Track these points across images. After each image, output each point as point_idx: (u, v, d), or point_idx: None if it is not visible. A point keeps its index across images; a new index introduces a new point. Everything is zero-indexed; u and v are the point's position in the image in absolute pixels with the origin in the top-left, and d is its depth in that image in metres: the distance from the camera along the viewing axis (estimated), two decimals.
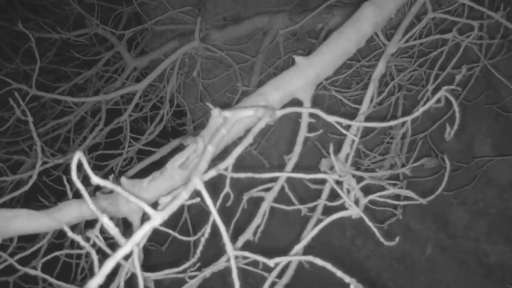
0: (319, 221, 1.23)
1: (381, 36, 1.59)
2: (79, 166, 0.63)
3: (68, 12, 3.86)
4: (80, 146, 3.23)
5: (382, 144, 2.58)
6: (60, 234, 2.93)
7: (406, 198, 1.34)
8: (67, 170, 3.03)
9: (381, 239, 1.14)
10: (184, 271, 1.13)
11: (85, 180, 0.69)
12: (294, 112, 1.20)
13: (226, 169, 0.96)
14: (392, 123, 1.26)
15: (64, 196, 1.19)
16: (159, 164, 1.18)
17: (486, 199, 3.46)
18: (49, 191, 3.06)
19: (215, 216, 0.75)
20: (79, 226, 2.44)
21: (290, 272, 1.15)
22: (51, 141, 3.48)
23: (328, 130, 2.74)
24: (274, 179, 1.25)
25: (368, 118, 1.49)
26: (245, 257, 1.01)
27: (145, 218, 1.07)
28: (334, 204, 1.29)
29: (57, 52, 3.99)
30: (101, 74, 3.77)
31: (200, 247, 1.04)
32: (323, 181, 1.34)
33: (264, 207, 1.23)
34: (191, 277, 1.14)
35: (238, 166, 1.04)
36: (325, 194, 1.32)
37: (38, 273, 1.07)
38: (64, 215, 1.04)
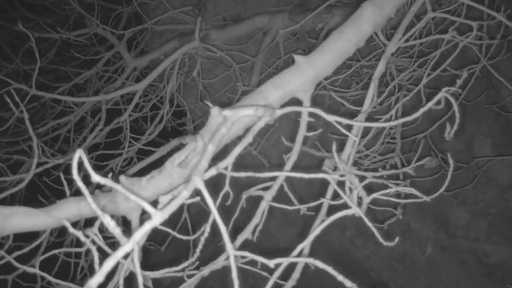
0: (322, 221, 1.23)
1: (381, 36, 1.59)
2: (79, 165, 0.63)
3: (68, 12, 3.86)
4: (80, 146, 3.23)
5: (382, 144, 2.58)
6: (59, 233, 2.94)
7: (408, 197, 1.33)
8: (67, 170, 3.03)
9: (380, 240, 1.14)
10: (182, 270, 1.13)
11: (85, 180, 0.69)
12: (294, 111, 1.20)
13: (226, 168, 0.96)
14: (392, 123, 1.26)
15: (64, 197, 1.19)
16: (159, 164, 1.18)
17: (486, 199, 3.45)
18: (49, 192, 3.06)
19: (215, 215, 0.75)
20: (78, 224, 2.44)
21: (296, 275, 1.14)
22: (51, 141, 3.48)
23: (328, 130, 2.74)
24: (273, 179, 1.25)
25: (368, 118, 1.49)
26: (244, 257, 1.01)
27: (144, 216, 1.07)
28: (336, 203, 1.29)
29: (57, 52, 3.99)
30: (101, 74, 3.77)
31: (200, 246, 1.04)
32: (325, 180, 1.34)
33: (263, 206, 1.23)
34: (190, 276, 1.14)
35: (238, 165, 1.04)
36: (329, 193, 1.32)
37: (36, 271, 1.07)
38: (62, 212, 1.04)
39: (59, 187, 2.74)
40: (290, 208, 1.31)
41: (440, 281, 3.67)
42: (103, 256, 0.62)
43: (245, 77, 3.40)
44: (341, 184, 1.27)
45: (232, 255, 0.76)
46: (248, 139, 1.03)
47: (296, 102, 1.27)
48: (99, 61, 3.60)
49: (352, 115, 1.46)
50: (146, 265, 1.09)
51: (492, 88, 3.25)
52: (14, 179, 2.33)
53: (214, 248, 1.27)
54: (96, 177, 0.58)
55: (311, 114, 1.27)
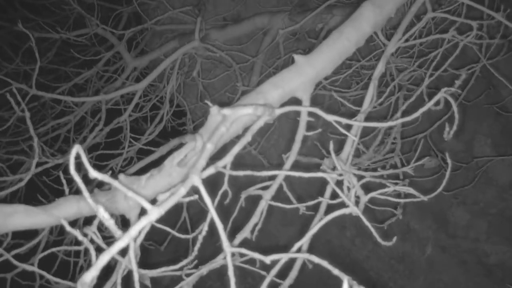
0: (321, 219, 1.23)
1: (381, 35, 1.59)
2: (78, 164, 0.63)
3: (68, 12, 3.86)
4: (80, 145, 3.23)
5: (382, 144, 2.58)
6: (58, 232, 2.94)
7: (408, 196, 1.33)
8: (66, 170, 3.03)
9: (379, 239, 1.14)
10: (181, 269, 1.13)
11: (84, 179, 0.69)
12: (294, 111, 1.20)
13: (224, 167, 0.96)
14: (392, 123, 1.26)
15: (63, 196, 1.20)
16: (158, 164, 1.18)
17: (486, 199, 3.45)
18: (49, 191, 3.06)
19: (212, 213, 0.75)
20: (77, 223, 2.44)
21: (294, 273, 1.14)
22: (51, 141, 3.48)
23: (327, 129, 2.74)
24: (272, 178, 1.25)
25: (368, 118, 1.49)
26: (242, 256, 1.01)
27: (143, 215, 1.07)
28: (334, 202, 1.29)
29: (57, 52, 4.00)
30: (101, 74, 3.77)
31: (198, 245, 1.04)
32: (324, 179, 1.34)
33: (262, 205, 1.23)
34: (189, 275, 1.14)
35: (237, 165, 1.04)
36: (328, 192, 1.32)
37: (35, 269, 1.07)
38: (61, 211, 1.04)
39: (58, 186, 2.75)
40: (289, 207, 1.31)
41: (440, 281, 3.67)
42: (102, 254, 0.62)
43: (245, 77, 3.40)
44: (340, 183, 1.27)
45: (228, 252, 0.76)
46: (247, 138, 1.03)
47: (296, 101, 1.27)
48: (99, 61, 3.60)
49: (352, 115, 1.47)
50: (145, 264, 1.09)
51: (492, 88, 3.25)
52: (14, 179, 2.33)
53: (213, 247, 1.27)
54: (94, 173, 0.58)
55: (310, 114, 1.27)
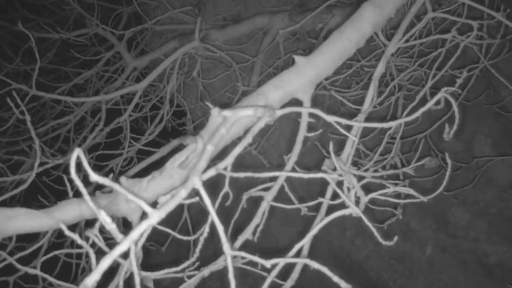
0: (322, 220, 1.23)
1: (381, 36, 1.59)
2: (79, 165, 0.63)
3: (68, 12, 3.86)
4: (80, 146, 3.23)
5: (383, 144, 2.58)
6: (60, 234, 2.94)
7: (408, 197, 1.33)
8: (67, 170, 3.03)
9: (379, 239, 1.14)
10: (182, 270, 1.13)
11: (85, 180, 0.69)
12: (294, 112, 1.20)
13: (225, 169, 0.96)
14: (392, 123, 1.26)
15: (64, 197, 1.19)
16: (159, 164, 1.18)
17: (486, 199, 3.45)
18: (49, 192, 3.06)
19: (213, 215, 0.75)
20: (79, 225, 2.44)
21: (295, 275, 1.14)
22: (51, 141, 3.48)
23: (328, 130, 2.74)
24: (273, 179, 1.25)
25: (368, 118, 1.49)
26: (243, 257, 1.01)
27: (144, 217, 1.07)
28: (335, 202, 1.29)
29: (57, 52, 3.99)
30: (101, 74, 3.77)
31: (199, 247, 1.04)
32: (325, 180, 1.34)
33: (264, 206, 1.23)
34: (190, 277, 1.14)
35: (238, 165, 1.04)
36: (328, 193, 1.32)
37: (38, 272, 1.07)
38: (63, 214, 1.04)
39: (59, 187, 2.75)
40: (290, 207, 1.31)
41: (440, 281, 3.67)
42: (103, 257, 0.62)
43: (245, 77, 3.40)
44: (341, 184, 1.27)
45: (229, 255, 0.76)
46: (248, 139, 1.03)
47: (296, 102, 1.27)
48: (99, 61, 3.60)
49: (352, 115, 1.47)
50: (146, 265, 1.09)
51: (492, 88, 3.25)
52: (14, 179, 2.33)
53: (214, 248, 1.27)
54: (94, 177, 0.58)
55: (311, 115, 1.27)
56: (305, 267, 1.17)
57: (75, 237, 0.77)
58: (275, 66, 3.24)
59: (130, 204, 1.05)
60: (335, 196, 1.29)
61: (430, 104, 1.18)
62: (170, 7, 3.50)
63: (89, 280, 0.52)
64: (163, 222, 0.84)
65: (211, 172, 0.88)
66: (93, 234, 0.95)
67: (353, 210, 1.13)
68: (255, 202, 1.28)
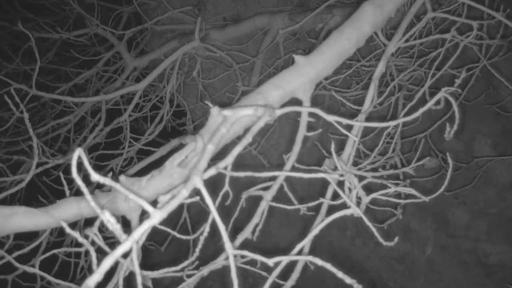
0: (322, 220, 1.23)
1: (381, 36, 1.59)
2: (79, 165, 0.63)
3: (68, 12, 3.85)
4: (80, 146, 3.23)
5: (382, 144, 2.58)
6: (59, 233, 2.94)
7: (408, 197, 1.33)
8: (67, 170, 3.04)
9: (380, 239, 1.14)
10: (182, 270, 1.12)
11: (85, 180, 0.69)
12: (294, 111, 1.20)
13: (225, 168, 0.96)
14: (392, 123, 1.26)
15: (64, 196, 1.19)
16: (159, 164, 1.17)
17: (486, 199, 3.45)
18: (49, 191, 3.06)
19: (214, 214, 0.75)
20: (78, 224, 2.44)
21: (295, 275, 1.14)
22: (51, 141, 3.48)
23: (328, 130, 2.74)
24: (273, 178, 1.25)
25: (368, 118, 1.49)
26: (243, 256, 1.01)
27: (144, 216, 1.07)
28: (336, 203, 1.29)
29: (57, 52, 3.99)
30: (101, 74, 3.77)
31: (199, 246, 1.04)
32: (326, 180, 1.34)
33: (263, 206, 1.23)
34: (189, 276, 1.14)
35: (238, 165, 1.04)
36: (329, 193, 1.32)
37: (36, 271, 1.07)
38: (62, 212, 1.04)
39: (59, 187, 2.74)
40: (290, 208, 1.31)
41: (440, 281, 3.67)
42: (103, 256, 0.63)
43: (245, 77, 3.40)
44: (341, 184, 1.27)
45: (231, 254, 0.76)
46: (248, 139, 1.03)
47: (296, 102, 1.27)
48: (99, 61, 3.60)
49: (352, 115, 1.46)
50: (146, 265, 1.09)
51: (492, 88, 3.25)
52: (14, 179, 2.33)
53: (214, 248, 1.27)
54: (95, 176, 0.58)
55: (311, 114, 1.27)
56: (305, 268, 1.17)
57: (76, 235, 0.77)
58: (275, 66, 3.24)
59: (129, 202, 1.05)
60: (335, 196, 1.29)
61: (430, 104, 1.18)
62: (170, 7, 3.50)
63: (91, 280, 0.52)
64: (163, 222, 0.84)
65: (212, 171, 0.88)
66: (93, 233, 0.95)
67: (354, 211, 1.13)
68: (255, 202, 1.28)
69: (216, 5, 3.74)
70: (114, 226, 0.56)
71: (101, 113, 3.03)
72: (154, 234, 1.07)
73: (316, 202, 1.30)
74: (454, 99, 1.23)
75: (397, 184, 1.35)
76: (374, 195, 1.21)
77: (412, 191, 1.28)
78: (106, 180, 0.60)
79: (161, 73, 3.03)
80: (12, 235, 1.15)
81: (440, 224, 3.68)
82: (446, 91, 1.21)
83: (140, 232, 0.59)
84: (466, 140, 3.49)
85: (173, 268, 1.10)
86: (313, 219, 1.27)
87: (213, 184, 1.09)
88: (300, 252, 1.08)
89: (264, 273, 1.09)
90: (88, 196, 0.59)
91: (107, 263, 0.53)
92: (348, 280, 0.82)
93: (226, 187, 1.17)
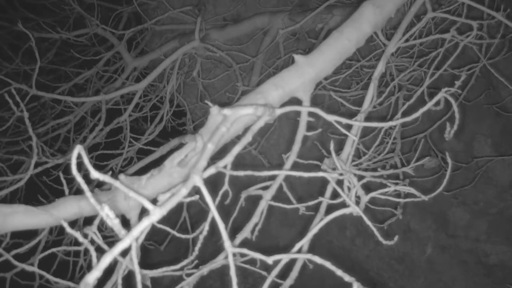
0: (321, 219, 1.23)
1: (381, 36, 1.59)
2: (79, 164, 0.63)
3: (68, 12, 3.86)
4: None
5: (382, 144, 2.58)
6: (58, 232, 2.94)
7: (408, 196, 1.33)
8: (66, 170, 3.04)
9: (380, 239, 1.14)
10: (182, 269, 1.13)
11: (85, 178, 0.69)
12: (294, 111, 1.20)
13: (225, 167, 0.96)
14: (392, 123, 1.26)
15: (63, 196, 1.19)
16: (159, 164, 1.18)
17: (486, 199, 3.45)
18: (49, 191, 3.06)
19: (214, 213, 0.75)
20: (77, 223, 2.44)
21: (294, 274, 1.14)
22: (51, 141, 3.48)
23: (327, 129, 2.74)
24: (273, 178, 1.25)
25: (368, 118, 1.49)
26: (243, 256, 1.01)
27: (143, 215, 1.07)
28: (335, 202, 1.29)
29: (57, 52, 3.99)
30: (101, 74, 3.77)
31: (198, 245, 1.04)
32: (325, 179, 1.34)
33: (262, 205, 1.23)
34: (189, 275, 1.14)
35: (237, 165, 1.04)
36: (328, 192, 1.32)
37: (35, 269, 1.07)
38: (62, 211, 1.04)
39: (58, 186, 2.74)
40: (289, 207, 1.31)
41: (440, 281, 3.67)
42: (102, 255, 0.63)
43: (245, 77, 3.40)
44: (340, 183, 1.27)
45: (230, 252, 0.76)
46: (248, 138, 1.03)
47: (296, 101, 1.27)
48: (99, 61, 3.60)
49: (352, 115, 1.47)
50: (145, 264, 1.09)
51: (492, 88, 3.25)
52: (13, 179, 2.33)
53: (213, 247, 1.27)
54: (95, 174, 0.58)
55: (310, 114, 1.27)
56: (304, 267, 1.17)
57: (76, 234, 0.77)
58: (275, 66, 3.24)
59: (128, 201, 1.05)
60: (334, 195, 1.29)
61: (430, 105, 1.18)
62: (170, 7, 3.50)
63: (90, 277, 0.52)
64: (162, 220, 0.84)
65: (211, 171, 0.88)
66: (92, 231, 0.95)
67: (354, 210, 1.13)
68: (254, 201, 1.28)
69: (216, 5, 3.75)
70: (113, 221, 0.56)
71: (101, 113, 3.04)
72: (154, 234, 1.08)
73: (316, 201, 1.30)
74: (454, 99, 1.23)
75: (396, 184, 1.35)
76: (373, 194, 1.21)
77: (412, 190, 1.28)
78: (106, 178, 0.60)
79: (161, 73, 3.04)
80: (9, 233, 1.15)
81: (440, 224, 3.68)
82: (446, 91, 1.21)
83: (140, 229, 0.59)
84: (466, 140, 3.49)
85: (173, 267, 1.10)
86: (313, 218, 1.27)
87: (213, 183, 1.09)
88: (299, 251, 1.08)
89: (263, 272, 1.09)
90: (88, 192, 0.59)
91: (106, 260, 0.53)
92: (347, 278, 0.82)
93: (226, 186, 1.17)
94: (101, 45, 3.76)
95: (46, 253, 1.22)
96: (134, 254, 0.64)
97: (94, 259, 0.72)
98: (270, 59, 3.39)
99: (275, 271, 1.05)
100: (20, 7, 3.95)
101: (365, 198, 1.20)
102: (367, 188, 1.27)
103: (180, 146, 1.15)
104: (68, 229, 0.75)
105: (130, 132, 3.03)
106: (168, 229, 1.19)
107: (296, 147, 1.26)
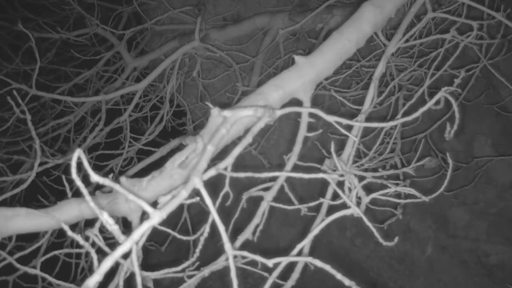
0: (322, 220, 1.23)
1: (381, 36, 1.59)
2: (79, 165, 0.63)
3: (68, 12, 3.85)
4: (80, 146, 3.23)
5: (382, 144, 2.58)
6: (60, 234, 2.94)
7: (408, 197, 1.33)
8: (67, 170, 3.04)
9: (380, 239, 1.14)
10: (183, 270, 1.13)
11: (85, 180, 0.69)
12: (294, 112, 1.20)
13: (225, 169, 0.96)
14: (392, 123, 1.26)
15: (64, 197, 1.19)
16: (159, 164, 1.18)
17: (486, 199, 3.46)
18: (49, 191, 3.06)
19: (214, 215, 0.75)
20: (78, 225, 2.44)
21: (295, 275, 1.14)
22: (51, 141, 3.48)
23: (328, 130, 2.74)
24: (273, 179, 1.25)
25: (368, 118, 1.49)
26: (244, 257, 1.01)
27: (144, 217, 1.07)
28: (336, 203, 1.29)
29: (57, 52, 3.99)
30: (101, 74, 3.77)
31: (199, 247, 1.04)
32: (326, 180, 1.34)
33: (263, 206, 1.23)
34: (190, 277, 1.14)
35: (238, 166, 1.04)
36: (329, 193, 1.32)
37: (37, 272, 1.07)
38: (63, 214, 1.04)
39: (58, 187, 2.74)
40: (290, 208, 1.31)
41: (440, 281, 3.67)
42: (104, 257, 0.63)
43: (245, 77, 3.40)
44: (341, 184, 1.27)
45: (231, 255, 0.76)
46: (248, 139, 1.03)
47: (296, 102, 1.27)
48: (99, 61, 3.60)
49: (352, 115, 1.47)
50: (146, 265, 1.09)
51: (492, 88, 3.25)
52: (14, 179, 2.33)
53: (214, 248, 1.27)
54: (95, 177, 0.58)
55: (311, 115, 1.26)
56: (306, 268, 1.17)
57: (78, 238, 0.77)
58: (275, 66, 3.24)
59: (129, 203, 1.05)
60: (335, 196, 1.29)
61: (430, 104, 1.18)
62: (170, 7, 3.50)
63: (90, 281, 0.52)
64: (163, 222, 0.84)
65: (212, 172, 0.88)
66: (93, 234, 0.95)
67: (354, 211, 1.13)
68: (255, 202, 1.28)
69: (216, 5, 3.74)
70: (112, 227, 0.56)
71: (101, 113, 3.03)
72: (154, 235, 1.07)
73: (316, 202, 1.30)
74: (454, 99, 1.23)
75: (397, 184, 1.35)
76: (374, 195, 1.21)
77: (412, 191, 1.28)
78: (106, 181, 0.60)
79: (161, 73, 3.03)
80: (14, 236, 1.15)
81: (440, 224, 3.68)
82: (446, 91, 1.21)
83: (140, 233, 0.59)
84: (466, 140, 3.49)
85: (174, 269, 1.10)
86: (313, 219, 1.27)
87: (213, 185, 1.09)
88: (300, 252, 1.08)
89: (264, 274, 1.09)
90: (87, 196, 0.59)
91: (107, 264, 0.53)
92: (347, 282, 0.82)
93: (226, 188, 1.17)
94: (101, 45, 3.75)
95: (48, 255, 1.22)
96: (135, 258, 0.64)
97: (95, 263, 0.72)
98: (270, 59, 3.39)
99: (276, 273, 1.05)
100: (20, 7, 3.94)
101: (365, 199, 1.20)
102: (368, 188, 1.27)
103: (180, 146, 1.15)
104: (69, 232, 0.75)
105: (130, 132, 3.03)
106: (169, 230, 1.19)
107: (297, 148, 1.25)
